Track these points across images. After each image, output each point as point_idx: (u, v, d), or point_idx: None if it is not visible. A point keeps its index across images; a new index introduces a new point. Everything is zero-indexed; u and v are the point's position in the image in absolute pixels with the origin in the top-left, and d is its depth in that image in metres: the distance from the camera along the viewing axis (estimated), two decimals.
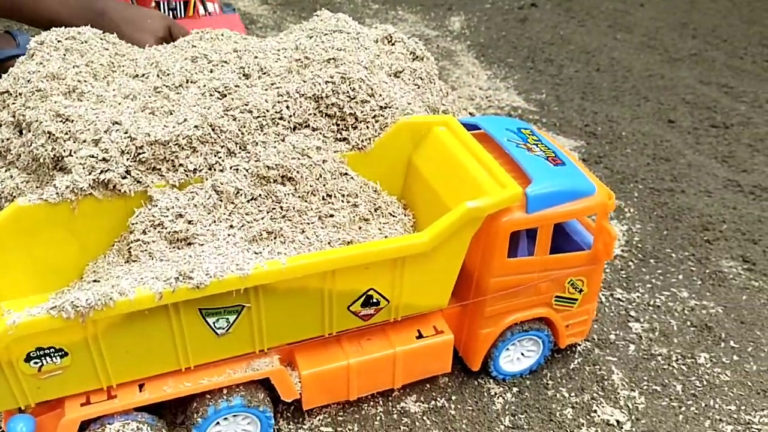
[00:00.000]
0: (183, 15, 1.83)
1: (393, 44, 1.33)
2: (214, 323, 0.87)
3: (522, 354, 1.13)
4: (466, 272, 1.00)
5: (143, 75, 1.15)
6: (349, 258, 0.88)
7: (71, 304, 0.78)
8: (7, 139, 1.06)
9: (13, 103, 1.07)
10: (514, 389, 1.13)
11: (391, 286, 0.95)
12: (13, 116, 1.07)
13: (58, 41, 1.14)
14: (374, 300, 0.95)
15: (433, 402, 1.10)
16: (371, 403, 1.09)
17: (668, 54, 2.43)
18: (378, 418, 1.07)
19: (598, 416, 1.09)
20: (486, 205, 0.92)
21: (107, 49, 1.18)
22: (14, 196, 1.01)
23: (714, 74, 2.30)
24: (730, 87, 2.22)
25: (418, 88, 1.23)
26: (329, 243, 0.97)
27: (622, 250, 1.46)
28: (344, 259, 0.88)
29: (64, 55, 1.13)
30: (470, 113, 1.84)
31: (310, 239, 0.98)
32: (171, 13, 1.83)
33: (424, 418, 1.07)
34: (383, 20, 2.52)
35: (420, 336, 1.03)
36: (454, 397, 1.11)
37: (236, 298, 0.86)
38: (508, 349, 1.10)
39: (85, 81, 1.09)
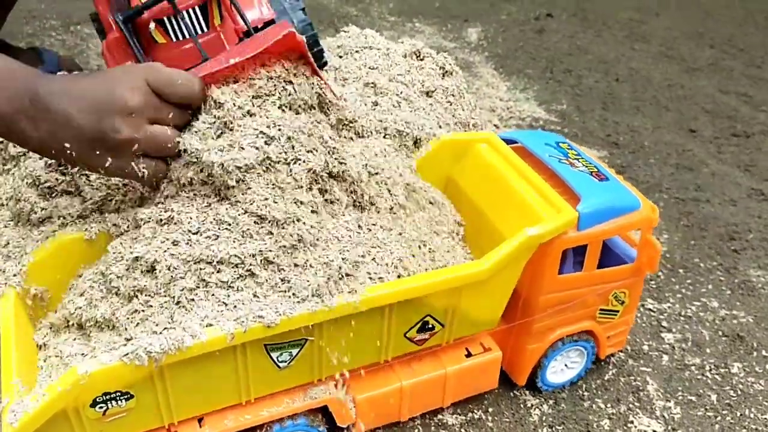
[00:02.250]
0: (206, 29, 1.17)
1: (422, 59, 1.35)
2: (277, 357, 0.87)
3: (566, 365, 1.13)
4: (514, 291, 1.01)
5: None
6: (415, 289, 0.89)
7: (144, 351, 0.77)
8: None
9: None
10: (550, 401, 1.13)
11: (447, 312, 0.96)
12: None
13: None
14: (430, 325, 0.96)
15: (470, 414, 1.11)
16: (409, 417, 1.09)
17: (686, 64, 2.44)
18: (416, 431, 1.07)
19: (635, 427, 1.09)
20: (546, 231, 0.94)
21: None
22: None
23: (732, 83, 2.31)
24: (749, 96, 2.23)
25: (450, 105, 1.25)
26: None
27: None
28: (410, 291, 0.89)
29: None
30: (495, 125, 1.85)
31: None
32: (187, 29, 1.12)
33: (462, 430, 1.08)
34: (400, 33, 2.54)
35: (469, 354, 1.03)
36: (490, 410, 1.11)
37: (302, 333, 0.86)
38: (555, 359, 1.10)
39: None
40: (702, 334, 1.28)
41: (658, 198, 1.67)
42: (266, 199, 0.85)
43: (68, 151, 0.80)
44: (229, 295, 0.83)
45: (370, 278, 0.89)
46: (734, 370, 1.21)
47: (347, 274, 0.86)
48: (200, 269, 0.83)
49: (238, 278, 0.84)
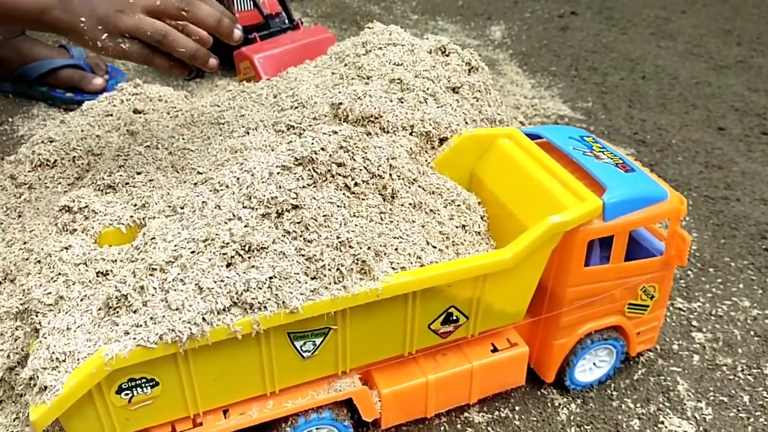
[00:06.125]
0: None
1: (447, 55, 1.34)
2: (301, 346, 0.87)
3: (594, 364, 1.12)
4: (539, 284, 0.99)
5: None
6: (438, 277, 0.88)
7: (168, 335, 0.77)
8: None
9: None
10: (578, 400, 1.11)
11: (471, 303, 0.95)
12: None
13: None
14: (454, 317, 0.95)
15: (496, 412, 1.09)
16: (435, 413, 1.08)
17: (714, 61, 2.41)
18: (442, 428, 1.06)
19: (666, 428, 1.07)
20: (569, 219, 0.92)
21: None
22: None
23: (762, 81, 2.27)
24: None
25: (477, 101, 1.24)
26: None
27: None
28: (432, 278, 0.88)
29: None
30: (520, 122, 1.83)
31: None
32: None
33: (489, 428, 1.07)
34: (423, 31, 2.53)
35: (495, 349, 1.02)
36: (517, 408, 1.10)
37: (325, 321, 0.86)
38: (584, 358, 1.09)
39: None
40: (733, 334, 1.26)
41: (687, 196, 1.64)
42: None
43: (82, 25, 0.97)
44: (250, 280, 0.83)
45: (393, 268, 0.89)
46: (767, 371, 1.19)
47: (369, 263, 0.86)
48: (226, 252, 0.83)
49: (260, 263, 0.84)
